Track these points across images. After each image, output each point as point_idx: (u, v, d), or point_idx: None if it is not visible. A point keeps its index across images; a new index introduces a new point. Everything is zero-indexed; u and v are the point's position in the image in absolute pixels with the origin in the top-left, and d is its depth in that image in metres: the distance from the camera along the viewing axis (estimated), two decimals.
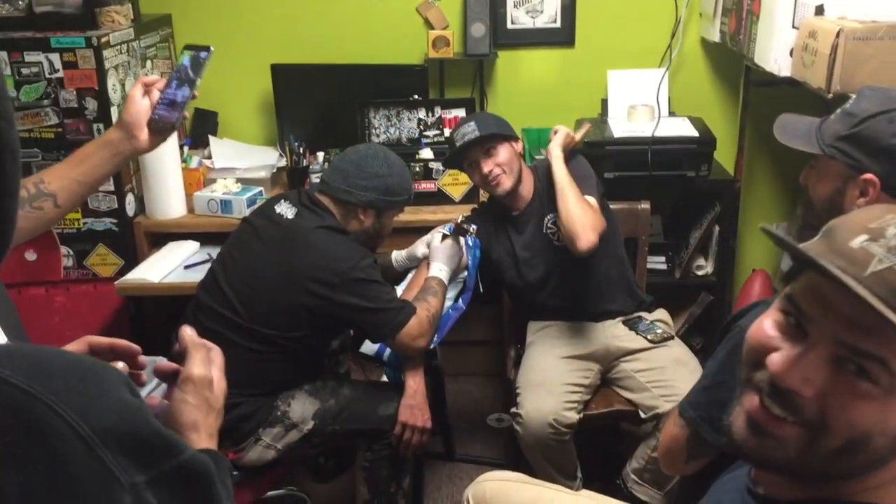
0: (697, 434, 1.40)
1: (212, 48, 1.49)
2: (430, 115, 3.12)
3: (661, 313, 2.58)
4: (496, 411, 3.14)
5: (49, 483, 0.46)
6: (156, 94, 1.46)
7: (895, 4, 2.11)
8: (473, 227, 2.40)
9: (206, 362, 0.90)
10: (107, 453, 0.49)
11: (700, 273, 3.20)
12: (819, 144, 1.48)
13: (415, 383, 2.25)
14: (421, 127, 3.14)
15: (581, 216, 2.24)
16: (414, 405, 2.23)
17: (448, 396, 2.85)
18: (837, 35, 2.07)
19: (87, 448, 0.48)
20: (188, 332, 0.94)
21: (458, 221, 2.41)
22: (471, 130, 2.35)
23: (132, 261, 2.89)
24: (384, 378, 2.49)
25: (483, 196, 2.85)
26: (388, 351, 2.35)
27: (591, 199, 2.34)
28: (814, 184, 1.52)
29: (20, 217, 1.43)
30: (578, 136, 2.51)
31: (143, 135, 1.45)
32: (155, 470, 0.52)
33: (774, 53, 2.44)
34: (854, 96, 1.50)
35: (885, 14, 2.11)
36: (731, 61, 3.16)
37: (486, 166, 2.38)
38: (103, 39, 2.74)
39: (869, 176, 1.41)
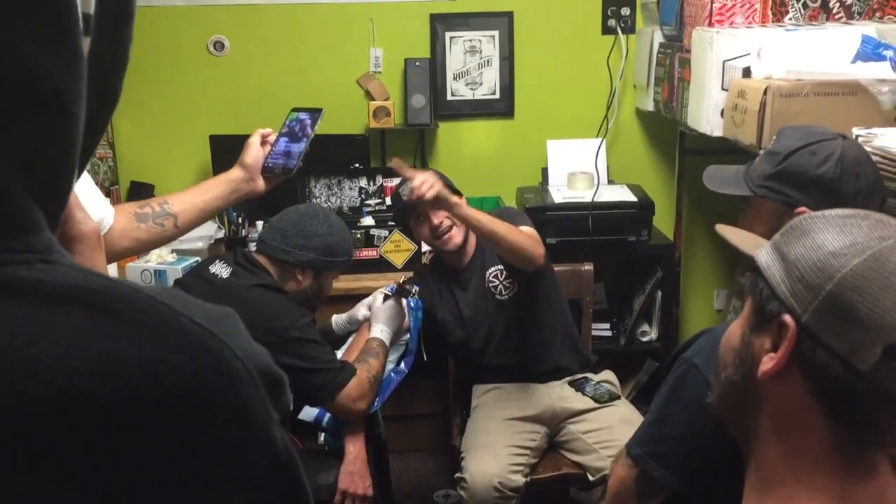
0: (645, 473, 1.35)
1: (323, 110, 1.76)
2: (371, 183, 3.11)
3: (608, 374, 2.54)
4: (442, 487, 3.02)
5: (232, 419, 0.48)
6: (267, 147, 1.67)
7: (816, 65, 2.19)
8: (416, 289, 2.35)
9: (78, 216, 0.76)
10: (264, 393, 0.50)
11: (645, 339, 3.19)
12: (749, 186, 1.51)
13: (355, 449, 2.15)
14: (362, 195, 3.12)
15: (520, 235, 2.21)
16: (354, 472, 2.12)
17: (392, 474, 2.74)
18: (765, 92, 2.14)
19: (256, 388, 0.50)
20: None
21: (401, 282, 2.35)
22: None
23: None
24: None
25: (425, 261, 2.81)
26: (327, 417, 2.25)
27: (529, 229, 2.32)
28: (749, 226, 1.53)
29: (142, 230, 1.53)
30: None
31: (260, 178, 1.65)
32: (281, 409, 0.53)
33: (706, 115, 2.50)
34: (775, 137, 1.54)
35: (808, 73, 2.19)
36: (666, 129, 3.24)
37: (437, 218, 2.32)
38: None
39: (801, 209, 1.42)
